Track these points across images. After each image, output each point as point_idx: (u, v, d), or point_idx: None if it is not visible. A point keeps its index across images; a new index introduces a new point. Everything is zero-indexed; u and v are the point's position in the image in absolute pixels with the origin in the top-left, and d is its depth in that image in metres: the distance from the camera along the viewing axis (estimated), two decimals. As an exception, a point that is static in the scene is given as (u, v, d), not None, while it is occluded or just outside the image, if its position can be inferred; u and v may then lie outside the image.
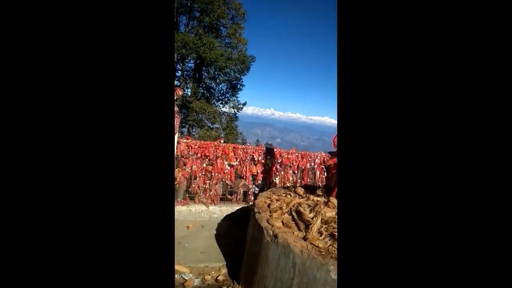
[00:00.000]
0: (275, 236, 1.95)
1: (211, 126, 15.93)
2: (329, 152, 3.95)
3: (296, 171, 4.13)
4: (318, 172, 4.18)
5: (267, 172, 4.08)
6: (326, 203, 2.36)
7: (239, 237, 3.23)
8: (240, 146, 3.95)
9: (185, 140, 3.66)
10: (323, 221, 2.08)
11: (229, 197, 3.99)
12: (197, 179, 3.68)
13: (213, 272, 2.60)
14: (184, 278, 2.44)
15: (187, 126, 15.30)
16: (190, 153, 3.62)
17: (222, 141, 3.94)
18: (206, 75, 16.64)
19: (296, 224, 2.15)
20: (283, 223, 2.15)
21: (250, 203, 3.95)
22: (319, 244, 1.83)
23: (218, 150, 3.75)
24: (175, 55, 14.19)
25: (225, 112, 16.90)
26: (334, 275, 1.61)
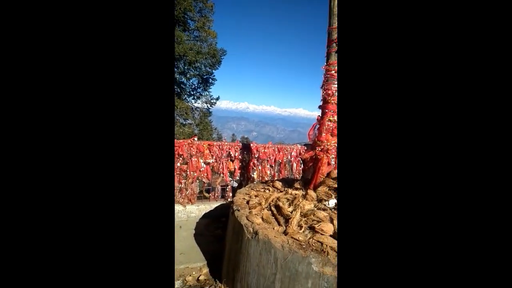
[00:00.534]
0: (256, 233, 1.94)
1: (184, 122, 15.50)
2: (305, 145, 4.02)
3: (273, 165, 4.15)
4: (295, 165, 4.24)
5: (245, 168, 4.05)
6: (304, 196, 2.39)
7: (219, 235, 3.20)
8: (215, 143, 3.88)
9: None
10: (302, 214, 2.11)
11: (207, 195, 3.92)
12: (172, 179, 3.57)
13: (194, 273, 2.55)
14: (164, 283, 2.37)
15: (158, 124, 14.69)
16: (163, 152, 3.48)
17: (196, 138, 3.83)
18: (176, 70, 16.06)
19: (276, 219, 2.16)
20: (262, 219, 2.14)
21: (229, 199, 3.91)
22: (300, 238, 1.85)
23: (192, 148, 3.65)
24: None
25: (198, 108, 16.51)
26: (315, 268, 1.64)
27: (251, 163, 4.02)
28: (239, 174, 4.00)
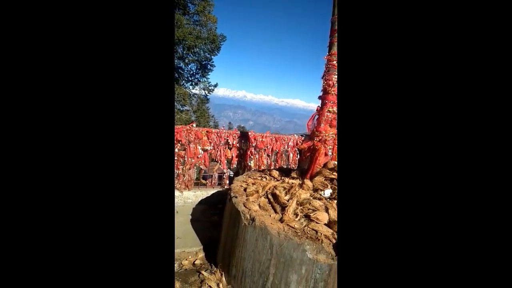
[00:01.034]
0: (253, 219, 1.98)
1: (181, 109, 15.35)
2: (303, 135, 4.04)
3: (270, 154, 4.18)
4: (291, 155, 4.27)
5: (242, 156, 4.07)
6: (300, 185, 2.43)
7: (215, 221, 3.25)
8: (213, 130, 3.88)
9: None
10: (298, 202, 2.14)
11: (204, 181, 3.95)
12: (170, 164, 3.57)
13: (190, 257, 2.61)
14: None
15: (155, 109, 14.54)
16: (161, 138, 3.48)
17: (194, 125, 3.82)
18: (174, 54, 15.76)
19: (273, 207, 2.20)
20: (259, 206, 2.18)
21: (226, 187, 3.95)
22: (295, 225, 1.89)
23: (190, 135, 3.64)
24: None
25: (196, 94, 16.33)
26: (309, 255, 1.68)
27: (249, 152, 4.04)
28: (236, 162, 4.02)
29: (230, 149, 3.94)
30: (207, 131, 3.80)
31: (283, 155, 4.30)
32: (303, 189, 2.35)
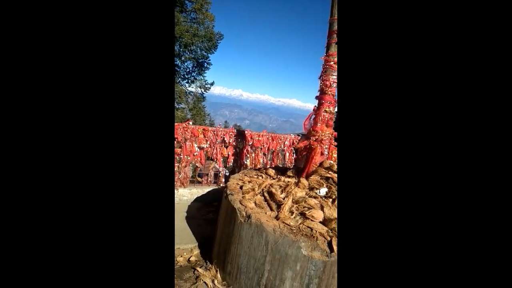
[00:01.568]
0: (248, 216, 1.99)
1: (177, 106, 15.29)
2: (299, 134, 4.06)
3: (266, 153, 4.20)
4: (287, 154, 4.29)
5: (238, 154, 4.09)
6: (296, 184, 2.45)
7: (210, 219, 3.25)
8: (210, 128, 3.88)
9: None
10: (293, 201, 2.17)
11: (199, 179, 3.95)
12: (166, 162, 3.57)
13: (185, 254, 2.61)
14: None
15: (151, 106, 14.44)
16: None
17: (191, 122, 3.82)
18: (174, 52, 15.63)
19: (268, 205, 2.22)
20: (255, 203, 2.20)
21: (221, 185, 3.95)
22: (291, 223, 1.91)
23: (187, 132, 3.64)
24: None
25: (192, 92, 16.28)
26: (304, 252, 1.71)
27: (245, 150, 4.06)
28: (232, 160, 4.03)
29: (227, 147, 3.95)
30: (203, 129, 3.80)
31: (279, 154, 4.33)
32: (299, 187, 2.38)
